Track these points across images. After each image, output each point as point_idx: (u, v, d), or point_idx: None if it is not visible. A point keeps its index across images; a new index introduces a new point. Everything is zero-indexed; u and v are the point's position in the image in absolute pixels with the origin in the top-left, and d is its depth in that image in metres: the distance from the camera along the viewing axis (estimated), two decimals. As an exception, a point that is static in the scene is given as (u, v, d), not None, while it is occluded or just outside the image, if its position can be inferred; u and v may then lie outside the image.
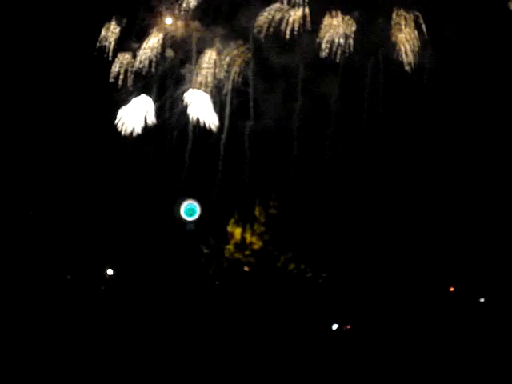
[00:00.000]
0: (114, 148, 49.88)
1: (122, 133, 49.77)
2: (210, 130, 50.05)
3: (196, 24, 48.40)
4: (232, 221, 51.09)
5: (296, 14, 46.95)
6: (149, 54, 48.98)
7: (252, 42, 48.29)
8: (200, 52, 49.17)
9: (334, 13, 46.48)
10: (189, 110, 49.80)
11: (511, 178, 45.99)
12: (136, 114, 50.41)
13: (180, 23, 48.63)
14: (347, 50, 47.02)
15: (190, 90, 49.44)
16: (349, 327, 40.93)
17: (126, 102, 50.27)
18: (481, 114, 46.82)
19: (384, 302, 43.56)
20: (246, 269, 49.22)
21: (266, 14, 47.34)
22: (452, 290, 46.47)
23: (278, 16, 47.41)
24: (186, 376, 30.86)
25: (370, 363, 32.88)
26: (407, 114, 47.26)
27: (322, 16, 46.95)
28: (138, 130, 49.91)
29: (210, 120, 49.90)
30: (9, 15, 48.85)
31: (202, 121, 50.04)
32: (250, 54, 48.57)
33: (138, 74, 49.79)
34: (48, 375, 30.10)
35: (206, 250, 50.75)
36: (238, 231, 50.65)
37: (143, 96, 50.22)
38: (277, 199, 49.76)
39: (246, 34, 48.07)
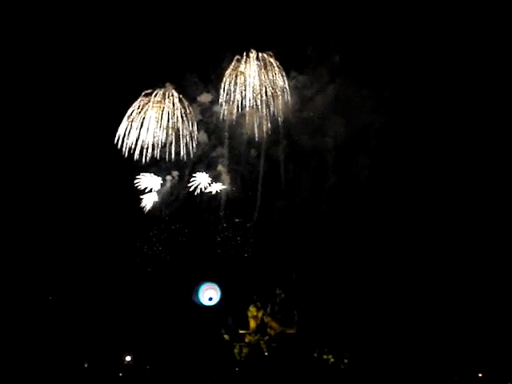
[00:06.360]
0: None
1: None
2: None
3: (230, 108, 49.79)
4: (252, 305, 49.08)
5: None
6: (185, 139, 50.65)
7: (282, 124, 48.88)
8: (232, 137, 50.33)
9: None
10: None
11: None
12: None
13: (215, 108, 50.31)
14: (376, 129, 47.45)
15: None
16: None
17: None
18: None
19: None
20: (266, 353, 46.09)
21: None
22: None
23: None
24: None
25: None
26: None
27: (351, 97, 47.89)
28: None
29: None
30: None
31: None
32: (281, 136, 49.06)
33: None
34: None
35: (226, 337, 48.22)
36: (257, 315, 48.38)
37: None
38: (296, 282, 48.10)
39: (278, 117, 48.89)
